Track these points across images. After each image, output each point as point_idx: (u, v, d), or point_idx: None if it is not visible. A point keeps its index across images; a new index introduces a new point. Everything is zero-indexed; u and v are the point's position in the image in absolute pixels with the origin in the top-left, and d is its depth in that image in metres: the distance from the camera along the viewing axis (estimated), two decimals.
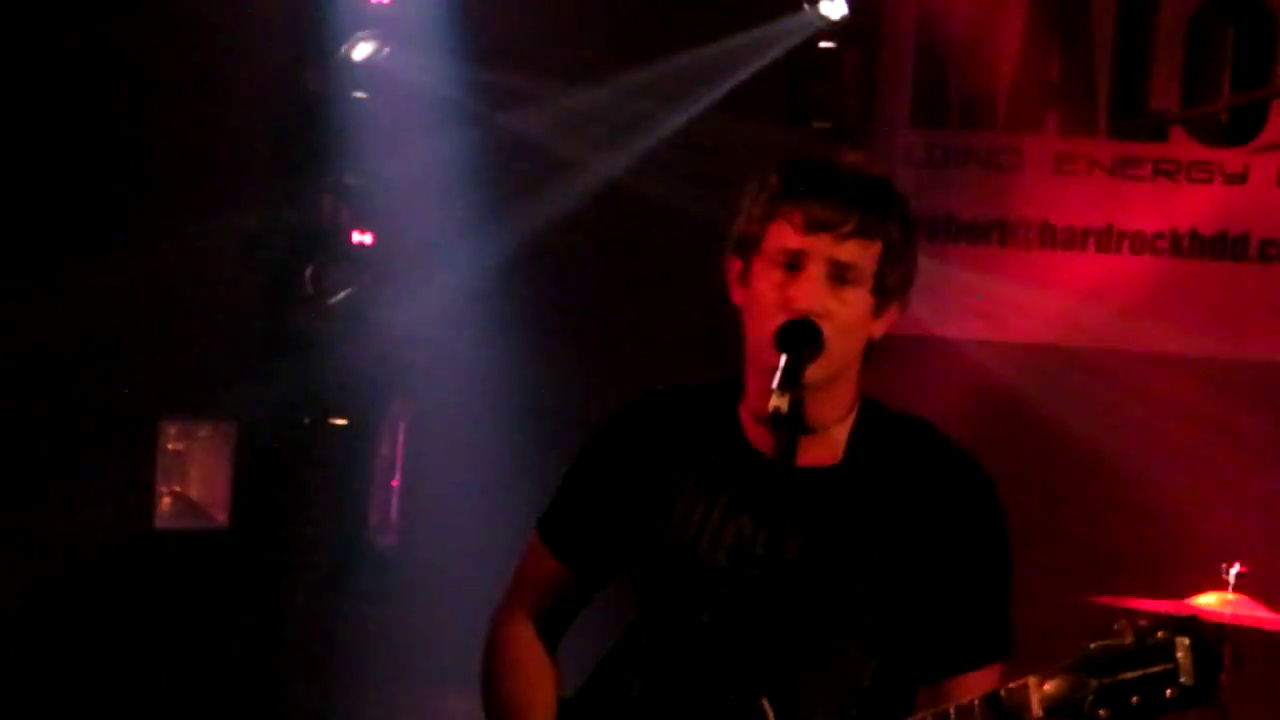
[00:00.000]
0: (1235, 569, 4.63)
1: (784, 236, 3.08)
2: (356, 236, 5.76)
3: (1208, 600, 4.57)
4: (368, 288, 5.88)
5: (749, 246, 3.09)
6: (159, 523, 5.41)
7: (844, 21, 5.76)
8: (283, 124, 5.85)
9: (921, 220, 4.62)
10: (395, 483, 5.93)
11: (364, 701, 5.58)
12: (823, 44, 5.79)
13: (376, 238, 5.88)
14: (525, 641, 3.35)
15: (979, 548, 3.11)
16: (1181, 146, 5.94)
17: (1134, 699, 2.82)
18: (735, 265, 3.06)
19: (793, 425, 2.90)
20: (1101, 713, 2.81)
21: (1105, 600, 4.68)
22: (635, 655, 3.27)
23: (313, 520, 5.64)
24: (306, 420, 5.59)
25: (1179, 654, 2.77)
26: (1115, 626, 2.85)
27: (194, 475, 5.49)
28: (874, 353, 3.05)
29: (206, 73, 5.49)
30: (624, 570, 3.22)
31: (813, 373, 2.97)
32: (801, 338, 3.01)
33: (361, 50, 5.63)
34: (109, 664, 5.44)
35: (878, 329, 3.08)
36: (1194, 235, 5.96)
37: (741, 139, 5.53)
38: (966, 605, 3.09)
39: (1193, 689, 2.71)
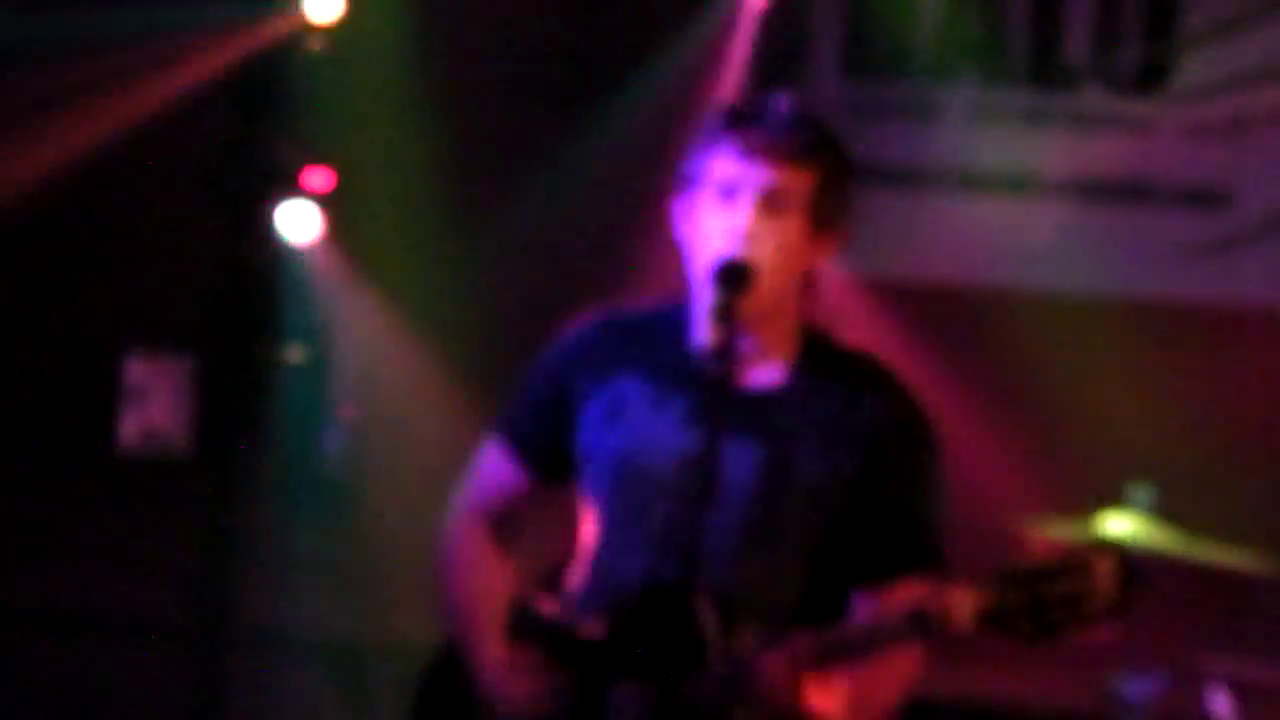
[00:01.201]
0: (1141, 493, 4.63)
1: (722, 167, 3.25)
2: (312, 176, 5.64)
3: (1116, 523, 4.62)
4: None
5: (690, 182, 3.29)
6: (121, 452, 5.41)
7: None
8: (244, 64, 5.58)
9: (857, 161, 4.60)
10: (348, 412, 5.87)
11: (319, 613, 5.53)
12: None
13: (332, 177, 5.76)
14: (478, 540, 3.34)
15: (913, 468, 3.13)
16: (1093, 97, 5.97)
17: (1054, 613, 2.88)
18: (679, 203, 3.11)
19: (726, 357, 2.94)
20: (1024, 625, 2.85)
21: (1025, 525, 4.63)
22: (584, 558, 3.28)
23: (271, 446, 5.57)
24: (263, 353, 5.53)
25: (1095, 573, 2.89)
26: (1037, 547, 2.87)
27: (155, 406, 5.42)
28: (809, 285, 2.98)
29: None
30: (574, 480, 3.14)
31: (747, 307, 3.18)
32: (734, 276, 3.22)
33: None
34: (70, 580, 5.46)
35: (814, 260, 3.29)
36: (1104, 182, 5.97)
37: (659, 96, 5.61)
38: (901, 519, 3.07)
39: (1107, 605, 2.74)
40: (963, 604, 2.92)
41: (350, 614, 5.43)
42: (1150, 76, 6.00)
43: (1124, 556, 2.75)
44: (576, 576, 3.26)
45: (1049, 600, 2.95)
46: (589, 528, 3.21)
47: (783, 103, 3.27)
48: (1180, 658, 4.96)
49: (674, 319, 3.32)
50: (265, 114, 5.64)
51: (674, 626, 3.04)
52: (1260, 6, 5.78)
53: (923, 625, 2.75)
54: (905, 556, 3.29)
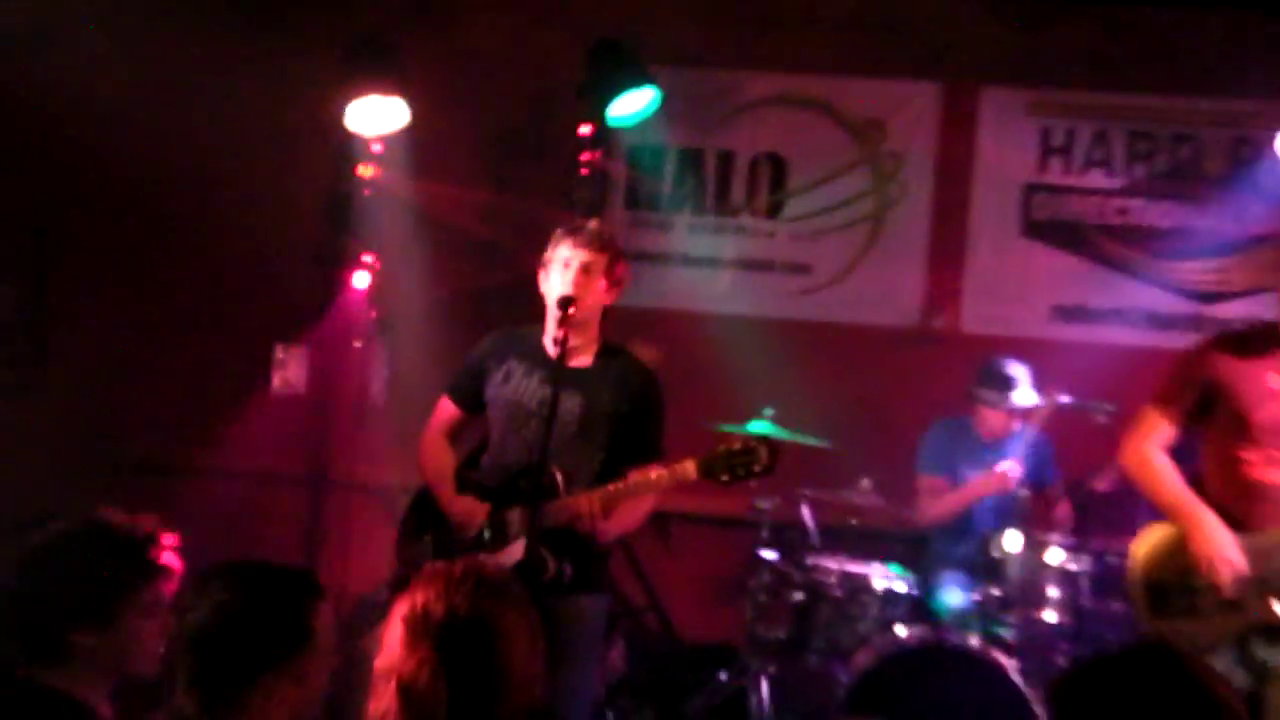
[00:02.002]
0: (768, 412, 5.94)
1: (563, 252, 4.53)
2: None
3: (757, 425, 5.74)
4: None
5: (549, 260, 4.59)
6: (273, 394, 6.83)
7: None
8: None
9: (627, 250, 5.22)
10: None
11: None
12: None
13: None
14: (439, 443, 4.83)
15: (652, 408, 4.71)
16: (746, 219, 7.73)
17: (738, 470, 4.37)
18: (540, 270, 4.59)
19: (562, 346, 4.45)
20: (722, 476, 4.35)
21: (717, 428, 5.56)
22: (491, 450, 4.81)
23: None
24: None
25: (758, 450, 4.37)
26: (727, 439, 4.50)
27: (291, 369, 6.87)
28: (607, 313, 4.67)
29: None
30: (484, 413, 4.78)
31: (573, 318, 4.41)
32: (567, 303, 4.44)
33: None
34: None
35: (608, 300, 4.58)
36: (752, 261, 7.71)
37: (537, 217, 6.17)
38: (646, 432, 4.67)
39: (764, 466, 4.36)
40: (690, 466, 4.36)
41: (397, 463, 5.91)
42: (773, 209, 7.68)
43: (771, 442, 4.37)
44: (487, 459, 4.75)
45: (735, 464, 4.34)
46: (493, 436, 4.72)
47: (594, 223, 4.77)
48: (788, 490, 6.38)
49: (537, 332, 4.64)
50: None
51: (540, 481, 4.42)
52: (829, 175, 7.61)
53: (672, 479, 4.40)
54: (648, 451, 4.61)
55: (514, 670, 2.42)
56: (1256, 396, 4.44)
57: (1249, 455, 4.47)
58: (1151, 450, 4.63)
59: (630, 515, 4.54)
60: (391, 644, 2.51)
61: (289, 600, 2.79)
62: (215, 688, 2.71)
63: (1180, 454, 4.70)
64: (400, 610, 2.49)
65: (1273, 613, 4.30)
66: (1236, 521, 4.42)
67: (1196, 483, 4.61)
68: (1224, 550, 4.34)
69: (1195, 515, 4.48)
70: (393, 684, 2.40)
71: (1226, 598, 4.34)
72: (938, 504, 6.28)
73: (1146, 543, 4.66)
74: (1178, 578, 4.52)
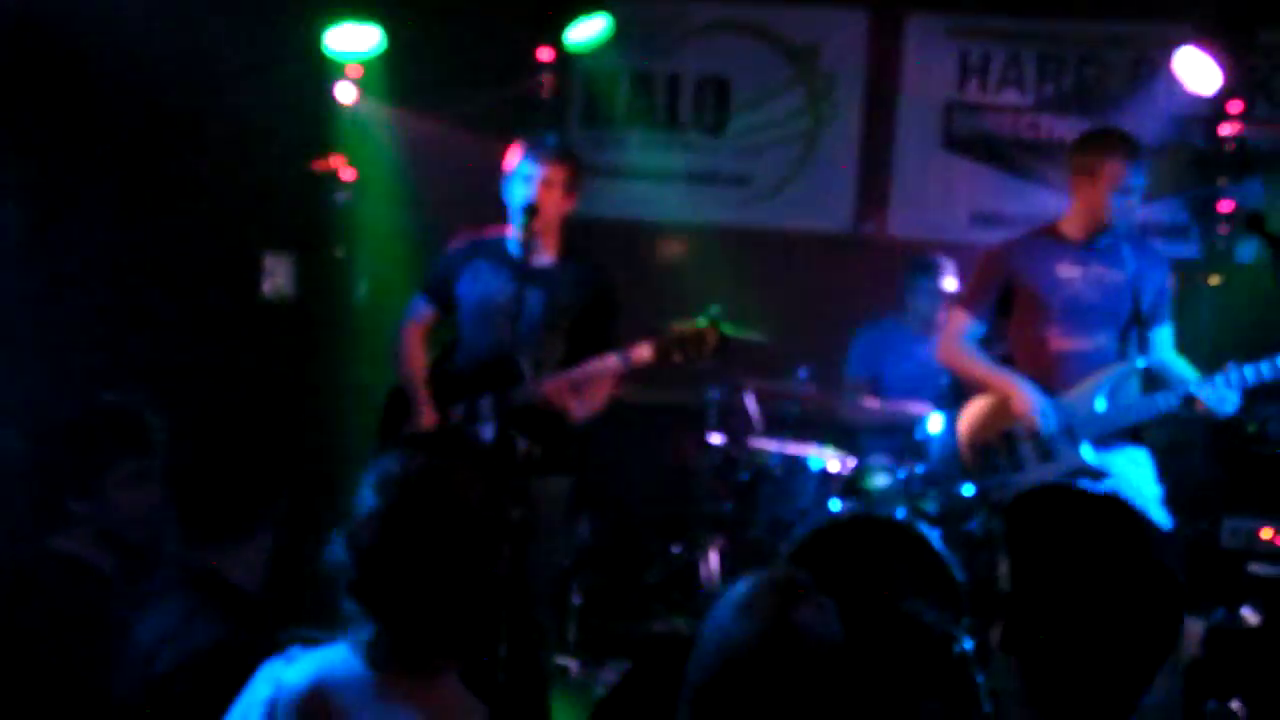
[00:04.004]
0: (714, 309, 5.03)
1: (526, 164, 4.72)
2: None
3: (704, 319, 5.03)
4: None
5: (512, 172, 4.75)
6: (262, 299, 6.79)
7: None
8: None
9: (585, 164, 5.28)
10: None
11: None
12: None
13: None
14: (413, 345, 4.96)
15: (609, 302, 4.88)
16: (694, 135, 7.81)
17: (690, 352, 4.60)
18: (506, 180, 4.73)
19: (528, 248, 4.65)
20: (676, 357, 4.58)
21: (667, 323, 5.05)
22: (462, 343, 4.92)
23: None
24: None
25: (708, 335, 4.58)
26: (681, 325, 4.69)
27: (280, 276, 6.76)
28: (565, 218, 4.82)
29: None
30: (454, 310, 4.88)
31: (536, 225, 4.65)
32: (531, 209, 4.64)
33: None
34: None
35: (566, 206, 4.78)
36: (697, 174, 7.81)
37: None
38: (604, 324, 4.83)
39: (713, 349, 4.57)
40: (646, 349, 4.58)
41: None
42: (717, 126, 7.84)
43: (721, 330, 4.60)
44: (459, 353, 4.90)
45: (687, 347, 4.55)
46: (463, 333, 4.84)
47: (552, 139, 4.96)
48: (733, 381, 6.60)
49: (503, 236, 4.81)
50: None
51: (509, 369, 4.58)
52: (768, 95, 7.77)
53: (630, 361, 4.57)
54: (605, 343, 4.74)
55: (469, 523, 2.29)
56: (1050, 286, 4.86)
57: (1049, 333, 4.88)
58: (963, 342, 5.04)
59: (594, 398, 4.67)
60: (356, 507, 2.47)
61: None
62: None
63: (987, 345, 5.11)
64: (366, 477, 2.41)
65: (1082, 458, 4.74)
66: (1044, 388, 4.85)
67: (1007, 363, 5.03)
68: (1037, 400, 4.76)
69: (1009, 380, 4.91)
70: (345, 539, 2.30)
71: (1044, 439, 4.81)
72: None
73: (968, 414, 5.09)
74: (999, 437, 4.93)
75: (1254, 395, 4.81)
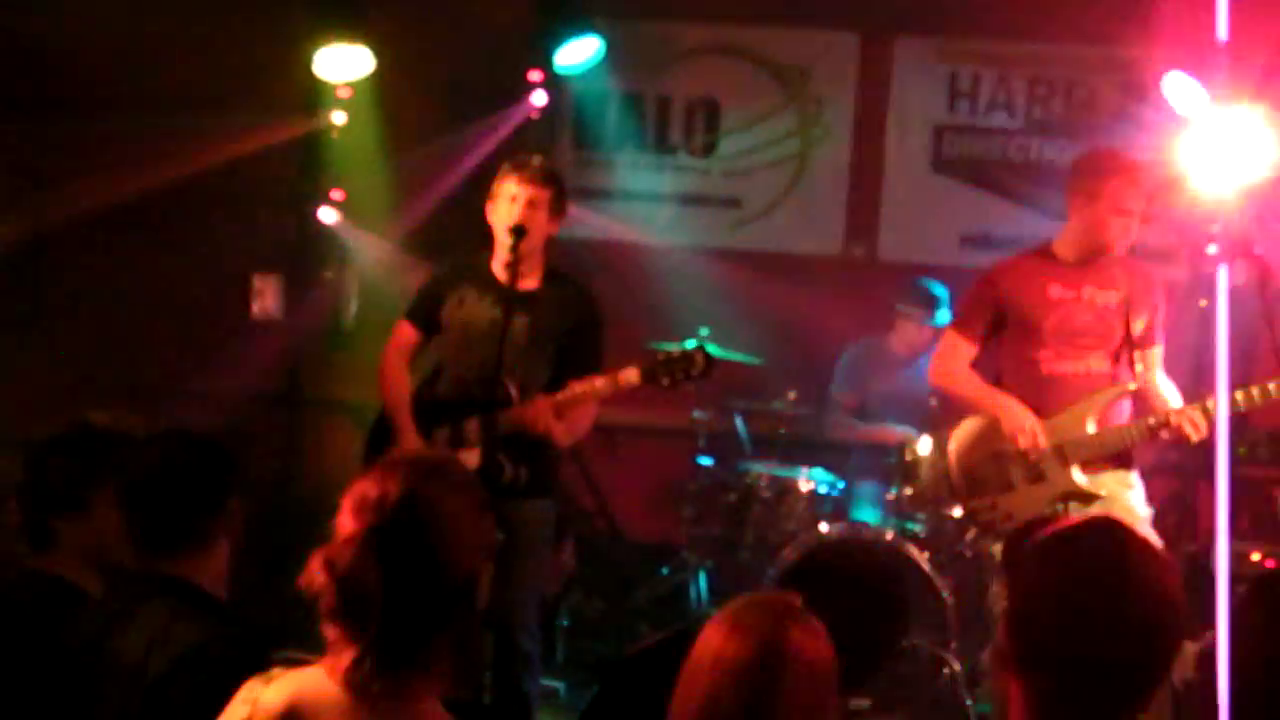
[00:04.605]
0: (701, 331, 5.26)
1: (512, 186, 4.69)
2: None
3: (692, 342, 5.07)
4: None
5: (496, 194, 4.72)
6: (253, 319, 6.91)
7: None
8: None
9: (571, 188, 5.22)
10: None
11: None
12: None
13: None
14: (397, 370, 4.91)
15: (593, 327, 4.83)
16: (683, 157, 7.77)
17: (676, 375, 4.62)
18: (489, 203, 4.71)
19: (513, 270, 4.60)
20: (665, 380, 4.58)
21: (657, 346, 5.33)
22: (441, 372, 4.90)
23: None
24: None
25: (695, 357, 4.63)
26: (668, 349, 4.76)
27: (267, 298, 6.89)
28: (550, 242, 4.80)
29: None
30: (439, 334, 4.79)
31: (521, 248, 4.57)
32: (518, 231, 4.59)
33: None
34: None
35: (552, 230, 4.74)
36: (689, 195, 7.82)
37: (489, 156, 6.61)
38: (589, 347, 4.80)
39: (700, 372, 4.62)
40: (633, 372, 4.57)
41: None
42: (708, 148, 7.83)
43: (706, 350, 4.64)
44: (443, 378, 4.86)
45: (675, 368, 4.58)
46: (448, 357, 4.81)
47: (538, 160, 4.84)
48: (722, 403, 6.64)
49: (486, 259, 4.75)
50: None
51: (495, 393, 4.57)
52: (758, 117, 7.72)
53: (616, 384, 4.58)
54: (588, 365, 4.72)
55: (450, 547, 2.24)
56: (1042, 308, 4.82)
57: (1040, 355, 4.83)
58: (955, 364, 4.99)
59: (579, 422, 4.66)
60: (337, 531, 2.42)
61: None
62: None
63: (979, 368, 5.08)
64: (345, 501, 2.36)
65: (1073, 480, 4.70)
66: (1035, 410, 4.81)
67: (997, 385, 4.98)
68: (1028, 422, 4.72)
69: (1000, 401, 4.88)
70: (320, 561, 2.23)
71: (1035, 461, 4.77)
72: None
73: (958, 436, 5.03)
74: (989, 459, 4.88)
75: (1243, 419, 4.83)
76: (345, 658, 2.22)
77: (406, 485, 2.26)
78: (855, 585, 5.45)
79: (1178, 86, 6.44)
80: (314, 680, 2.25)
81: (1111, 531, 2.23)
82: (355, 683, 2.20)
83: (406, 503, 2.24)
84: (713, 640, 2.40)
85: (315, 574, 2.19)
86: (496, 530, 2.50)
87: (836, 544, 5.77)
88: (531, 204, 4.62)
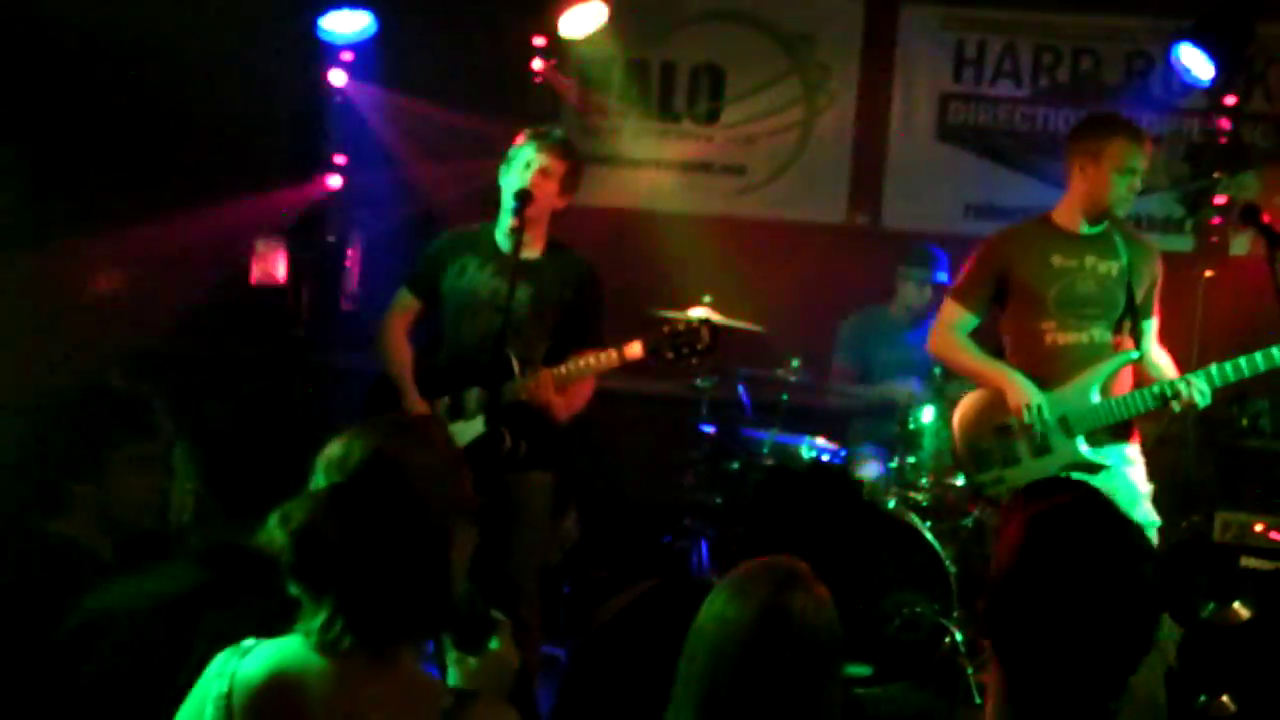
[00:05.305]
0: (706, 298, 5.74)
1: (526, 153, 4.67)
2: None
3: (698, 311, 5.48)
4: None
5: (511, 158, 4.70)
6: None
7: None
8: None
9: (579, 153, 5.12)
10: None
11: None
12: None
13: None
14: (397, 337, 4.87)
15: (594, 298, 4.79)
16: (688, 125, 7.78)
17: (682, 350, 4.54)
18: (501, 163, 4.68)
19: (517, 237, 4.55)
20: (669, 355, 4.49)
21: (661, 313, 5.46)
22: (443, 341, 4.81)
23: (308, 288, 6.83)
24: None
25: (702, 332, 4.55)
26: (672, 322, 4.69)
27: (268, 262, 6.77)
28: (557, 215, 4.79)
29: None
30: (440, 303, 4.75)
31: (527, 214, 4.56)
32: (525, 196, 4.56)
33: None
34: None
35: (560, 203, 4.71)
36: (693, 163, 7.82)
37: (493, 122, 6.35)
38: (589, 317, 4.76)
39: (707, 346, 4.52)
40: (637, 346, 4.52)
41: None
42: (711, 115, 7.82)
43: (711, 324, 4.61)
44: (444, 348, 4.80)
45: (679, 343, 4.51)
46: (448, 327, 4.74)
47: (558, 132, 4.87)
48: (725, 370, 6.49)
49: (490, 228, 4.72)
50: None
51: (497, 364, 4.51)
52: (763, 84, 7.71)
53: (620, 359, 4.51)
54: (589, 338, 4.70)
55: (415, 501, 2.20)
56: (1045, 278, 4.77)
57: (1044, 325, 4.78)
58: (956, 334, 4.95)
59: (579, 395, 4.62)
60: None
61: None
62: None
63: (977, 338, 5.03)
64: (318, 463, 2.33)
65: (1078, 451, 4.64)
66: (1039, 382, 4.76)
67: (1000, 357, 4.94)
68: (1032, 394, 4.68)
69: (1002, 373, 4.82)
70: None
71: (1039, 433, 4.70)
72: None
73: (962, 408, 4.98)
74: (994, 432, 4.82)
75: (1245, 389, 4.77)
76: (316, 621, 2.19)
77: (372, 443, 2.25)
78: (856, 553, 5.46)
79: (1184, 55, 6.45)
80: (292, 648, 2.22)
81: (1085, 507, 2.23)
82: (327, 644, 2.17)
83: (370, 459, 2.23)
84: (716, 604, 2.41)
85: (273, 530, 2.15)
86: (482, 492, 2.42)
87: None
88: (544, 172, 4.61)
